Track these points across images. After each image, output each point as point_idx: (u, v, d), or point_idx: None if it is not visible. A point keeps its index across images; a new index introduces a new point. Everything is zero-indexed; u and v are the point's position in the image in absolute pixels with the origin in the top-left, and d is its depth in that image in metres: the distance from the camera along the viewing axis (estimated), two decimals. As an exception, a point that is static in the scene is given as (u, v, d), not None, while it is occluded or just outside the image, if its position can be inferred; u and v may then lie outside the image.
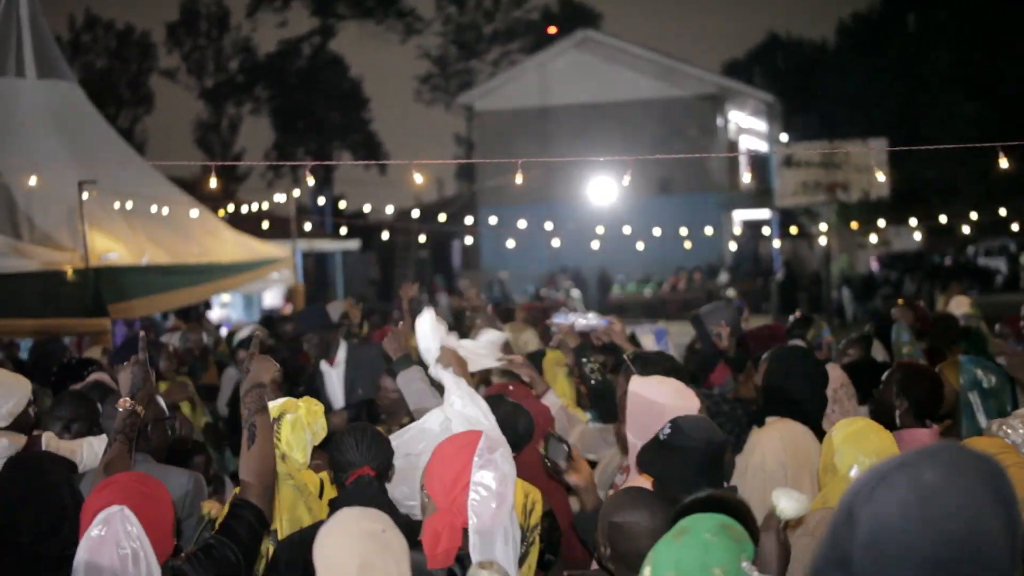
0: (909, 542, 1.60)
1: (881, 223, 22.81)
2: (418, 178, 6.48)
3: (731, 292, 26.81)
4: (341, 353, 7.43)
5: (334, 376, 7.39)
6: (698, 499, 2.75)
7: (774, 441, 4.35)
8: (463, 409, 4.15)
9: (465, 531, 3.23)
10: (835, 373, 4.91)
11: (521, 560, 3.52)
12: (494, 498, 3.21)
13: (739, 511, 2.72)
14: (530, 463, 4.27)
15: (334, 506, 3.74)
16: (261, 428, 3.46)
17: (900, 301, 8.25)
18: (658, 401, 3.89)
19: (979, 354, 6.55)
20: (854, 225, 25.02)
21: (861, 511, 1.63)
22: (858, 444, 3.58)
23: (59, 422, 5.00)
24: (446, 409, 4.20)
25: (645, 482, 3.75)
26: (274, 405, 4.13)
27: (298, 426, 4.13)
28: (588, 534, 3.76)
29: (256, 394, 3.55)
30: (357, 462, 3.81)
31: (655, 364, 4.65)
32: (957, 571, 1.59)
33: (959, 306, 8.94)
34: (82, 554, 2.99)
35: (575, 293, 26.49)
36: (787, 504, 2.98)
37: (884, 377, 4.67)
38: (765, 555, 2.95)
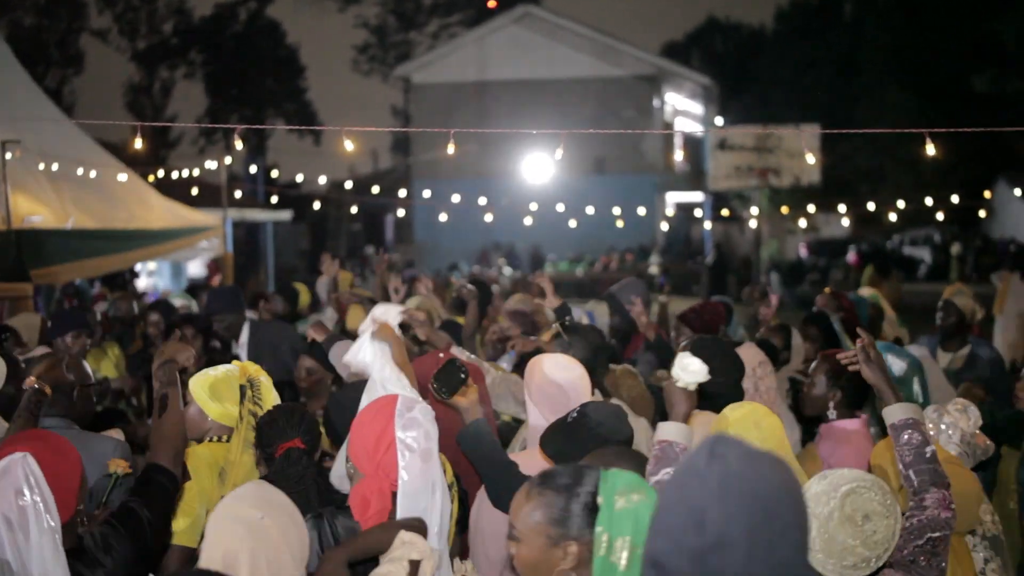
0: (749, 484, 1.82)
1: (811, 209, 23.11)
2: (348, 145, 6.40)
3: (654, 269, 27.04)
4: (244, 334, 7.37)
5: (243, 355, 7.32)
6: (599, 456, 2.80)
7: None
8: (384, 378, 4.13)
9: (394, 494, 3.23)
10: (751, 352, 4.93)
11: None
12: (420, 454, 3.23)
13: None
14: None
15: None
16: (172, 399, 3.57)
17: (827, 289, 8.36)
18: (565, 388, 3.98)
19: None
20: (784, 210, 25.35)
21: (707, 469, 1.83)
22: (750, 428, 3.54)
23: None
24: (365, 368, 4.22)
25: (535, 460, 3.80)
26: (229, 369, 4.28)
27: (272, 389, 4.23)
28: (468, 446, 3.90)
29: (168, 368, 3.66)
30: (288, 435, 3.81)
31: (584, 336, 4.68)
32: (779, 519, 1.81)
33: (866, 292, 9.10)
34: None
35: (507, 270, 26.51)
36: (682, 373, 3.24)
37: (810, 369, 4.65)
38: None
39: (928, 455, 3.25)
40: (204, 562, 2.63)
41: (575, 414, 3.68)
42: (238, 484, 3.79)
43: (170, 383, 3.64)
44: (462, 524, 4.11)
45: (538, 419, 4.09)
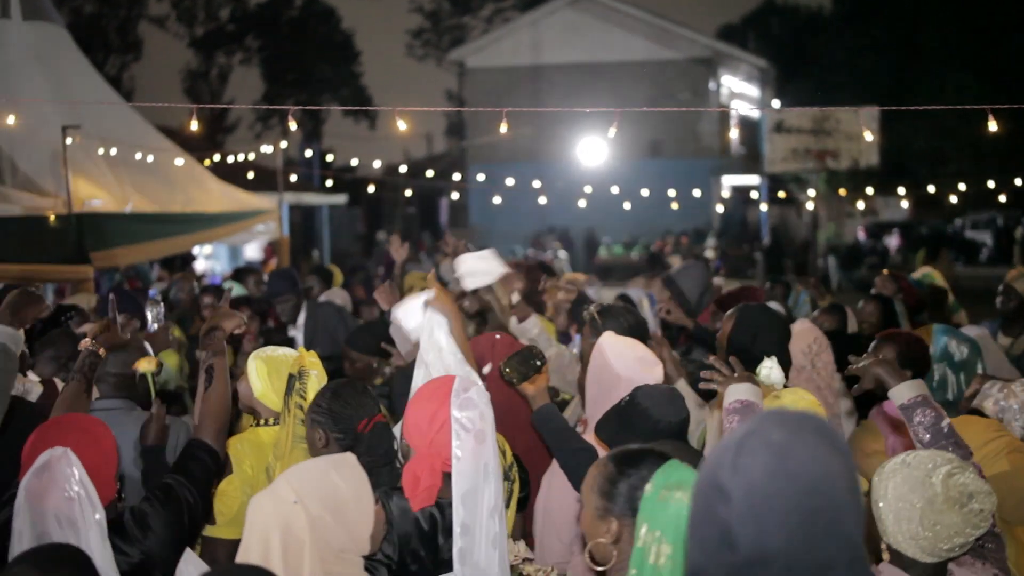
0: (779, 498, 1.75)
1: (869, 191, 22.80)
2: (402, 125, 6.41)
3: (709, 253, 26.82)
4: (301, 315, 7.44)
5: (299, 339, 7.40)
6: (646, 450, 2.80)
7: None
8: (438, 356, 4.09)
9: (446, 475, 3.24)
10: (805, 328, 4.86)
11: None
12: (474, 435, 3.23)
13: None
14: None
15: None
16: (219, 370, 3.54)
17: (885, 271, 8.24)
18: (616, 366, 3.96)
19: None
20: (842, 193, 25.01)
21: (730, 484, 1.77)
22: None
23: (53, 362, 5.16)
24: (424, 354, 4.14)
25: (599, 443, 3.80)
26: (289, 354, 4.19)
27: (320, 385, 4.07)
28: (542, 427, 3.97)
29: (214, 337, 3.63)
30: (368, 409, 3.70)
31: (617, 317, 4.65)
32: (820, 517, 1.76)
33: (919, 274, 8.94)
34: (24, 498, 2.93)
35: (562, 254, 26.46)
36: (767, 374, 3.37)
37: (872, 346, 4.60)
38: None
39: (946, 430, 3.20)
40: (242, 543, 2.64)
41: (627, 399, 3.66)
42: None
43: (217, 352, 3.60)
44: (520, 504, 4.13)
45: (597, 398, 4.08)
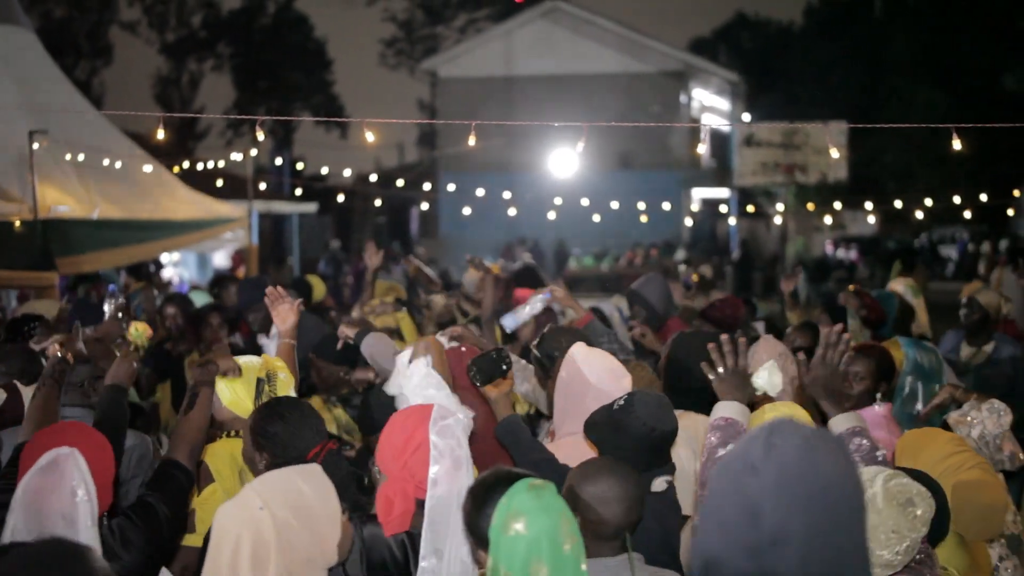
0: (806, 481, 1.82)
1: (837, 206, 22.98)
2: (370, 136, 6.43)
3: (682, 267, 26.93)
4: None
5: (271, 349, 7.33)
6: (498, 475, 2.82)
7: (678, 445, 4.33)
8: (419, 385, 4.11)
9: (419, 501, 3.24)
10: (770, 344, 4.89)
11: None
12: (452, 461, 3.23)
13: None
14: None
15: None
16: (203, 398, 3.70)
17: (851, 287, 8.32)
18: (588, 377, 3.98)
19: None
20: (810, 207, 25.18)
21: (762, 461, 1.84)
22: None
23: (3, 377, 4.96)
24: (403, 385, 4.16)
25: (573, 448, 3.81)
26: (253, 361, 4.22)
27: (290, 385, 4.21)
28: (506, 440, 4.00)
29: (208, 370, 3.83)
30: (316, 437, 3.65)
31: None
32: (839, 512, 1.84)
33: (899, 285, 9.02)
34: (22, 497, 2.91)
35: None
36: (765, 380, 3.41)
37: (845, 359, 4.65)
38: None
39: (880, 458, 3.27)
40: (210, 549, 2.65)
41: (622, 402, 3.67)
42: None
43: (205, 383, 3.78)
44: None
45: (565, 408, 4.10)
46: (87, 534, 2.89)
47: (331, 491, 2.83)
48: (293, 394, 4.19)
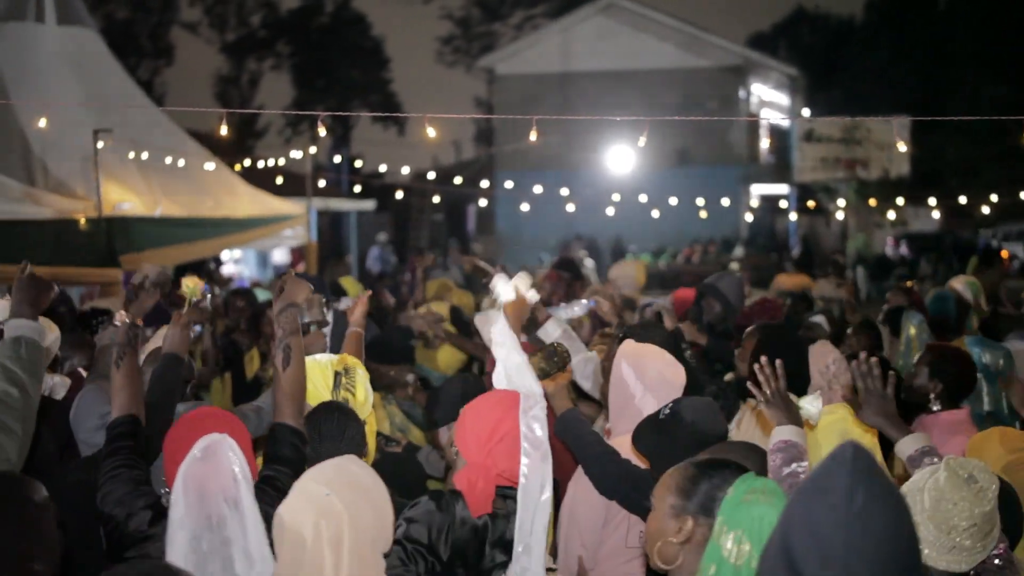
0: (877, 531, 1.83)
1: (899, 202, 22.63)
2: (431, 132, 6.39)
3: (734, 266, 26.71)
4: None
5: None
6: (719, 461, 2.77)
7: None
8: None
9: (499, 487, 3.24)
10: (824, 349, 4.81)
11: None
12: (541, 453, 3.21)
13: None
14: None
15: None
16: (295, 350, 3.43)
17: (908, 283, 8.20)
18: (637, 374, 3.94)
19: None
20: (872, 203, 24.83)
21: (841, 499, 1.84)
22: (833, 439, 3.52)
23: (70, 367, 5.23)
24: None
25: (627, 452, 3.78)
26: (328, 357, 4.15)
27: (367, 381, 4.11)
28: (566, 435, 3.95)
29: (290, 314, 3.49)
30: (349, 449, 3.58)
31: (647, 334, 4.64)
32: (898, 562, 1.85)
33: (958, 283, 8.86)
34: (183, 485, 2.87)
35: (589, 262, 26.39)
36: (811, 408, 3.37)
37: (916, 360, 4.68)
38: None
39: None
40: (275, 536, 2.64)
41: (667, 410, 3.63)
42: None
43: (292, 332, 3.46)
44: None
45: (619, 406, 4.07)
46: (251, 512, 2.86)
47: (375, 474, 2.82)
48: (367, 389, 4.10)
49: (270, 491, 3.16)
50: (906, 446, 3.35)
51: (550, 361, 4.06)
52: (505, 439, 3.23)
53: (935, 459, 3.25)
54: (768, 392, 3.38)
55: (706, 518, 2.56)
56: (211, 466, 2.87)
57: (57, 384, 4.86)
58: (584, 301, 6.08)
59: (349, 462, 2.82)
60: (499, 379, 3.75)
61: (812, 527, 1.83)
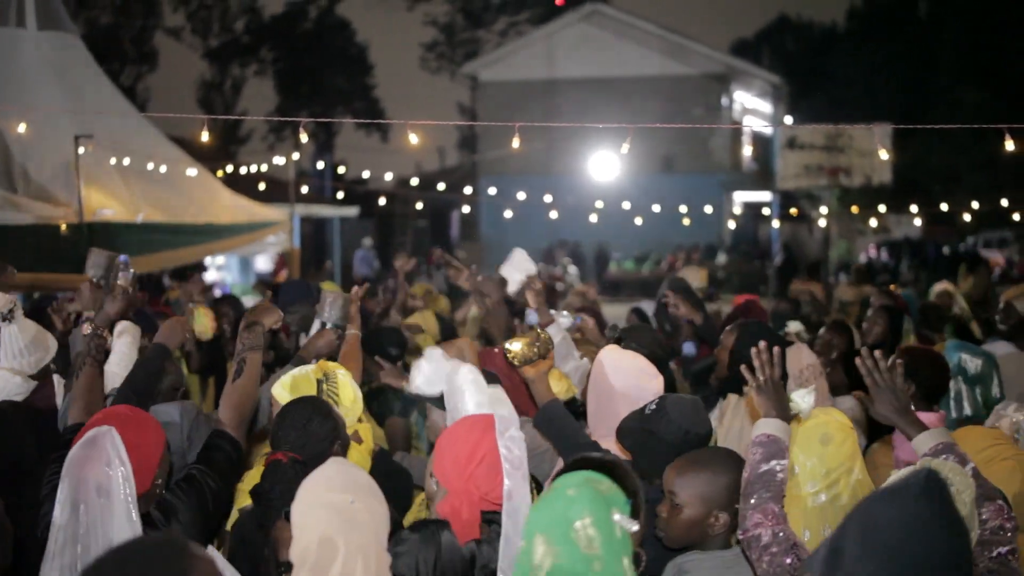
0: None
1: (882, 209, 22.72)
2: (414, 138, 6.40)
3: (720, 273, 26.75)
4: (315, 327, 7.32)
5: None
6: (572, 462, 2.85)
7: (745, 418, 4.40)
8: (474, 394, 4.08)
9: (483, 511, 3.21)
10: (802, 353, 4.80)
11: None
12: (522, 474, 3.19)
13: (614, 469, 2.76)
14: None
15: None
16: (250, 364, 3.59)
17: (892, 287, 8.23)
18: (614, 378, 3.96)
19: (964, 339, 6.54)
20: (854, 210, 24.93)
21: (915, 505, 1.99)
22: (814, 444, 3.45)
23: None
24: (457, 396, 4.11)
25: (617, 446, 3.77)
26: (308, 368, 4.15)
27: (350, 383, 4.11)
28: (546, 427, 3.98)
29: (254, 331, 3.68)
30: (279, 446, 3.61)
31: (639, 339, 4.65)
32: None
33: (939, 288, 8.90)
34: (67, 467, 3.06)
35: (572, 269, 26.44)
36: (803, 402, 3.36)
37: (893, 362, 4.62)
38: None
39: (971, 472, 3.14)
40: (298, 549, 2.60)
41: (653, 406, 3.63)
42: None
43: (253, 348, 3.64)
44: None
45: (596, 411, 4.06)
46: (121, 507, 2.99)
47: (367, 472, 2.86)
48: (354, 389, 4.10)
49: (183, 487, 3.30)
50: (923, 443, 3.24)
51: (532, 347, 4.03)
52: (484, 461, 3.19)
53: (951, 457, 3.15)
54: (762, 378, 3.33)
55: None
56: (89, 453, 3.03)
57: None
58: (569, 318, 6.07)
59: (345, 464, 2.82)
60: (425, 380, 3.95)
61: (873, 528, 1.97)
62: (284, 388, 4.08)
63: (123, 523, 2.98)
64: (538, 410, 4.01)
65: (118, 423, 3.15)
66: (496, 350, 4.90)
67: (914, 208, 20.05)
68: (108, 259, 4.98)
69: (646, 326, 5.17)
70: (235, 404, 3.53)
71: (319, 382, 4.04)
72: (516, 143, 6.18)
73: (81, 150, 10.27)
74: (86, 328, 3.94)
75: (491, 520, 3.23)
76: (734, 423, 4.58)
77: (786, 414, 3.28)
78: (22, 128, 8.57)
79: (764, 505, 3.02)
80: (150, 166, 11.69)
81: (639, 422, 3.63)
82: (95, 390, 3.74)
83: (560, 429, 3.92)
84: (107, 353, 4.09)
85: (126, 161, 11.35)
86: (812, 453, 3.29)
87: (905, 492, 1.99)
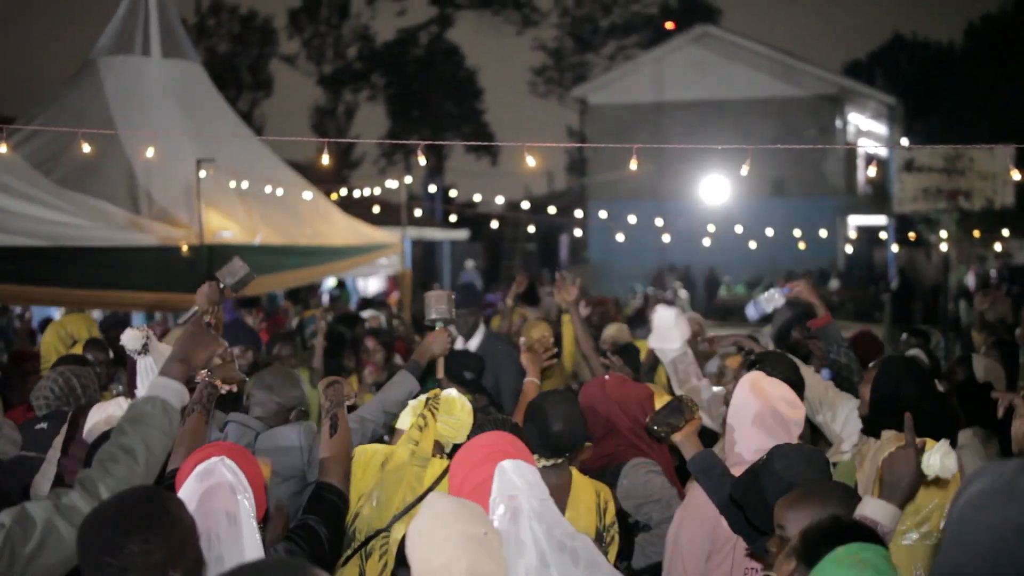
0: None
1: (1005, 233, 22.01)
2: (530, 160, 6.38)
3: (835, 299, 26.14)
4: (478, 337, 7.28)
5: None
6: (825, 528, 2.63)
7: None
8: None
9: None
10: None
11: None
12: (510, 513, 2.95)
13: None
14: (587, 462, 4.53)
15: None
16: (342, 420, 3.77)
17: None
18: (753, 404, 3.89)
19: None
20: (975, 234, 24.23)
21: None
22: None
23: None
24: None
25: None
26: (421, 399, 4.25)
27: (457, 401, 4.15)
28: (701, 474, 3.87)
29: (336, 389, 3.90)
30: None
31: (775, 364, 4.54)
32: None
33: None
34: (188, 504, 2.88)
35: (683, 293, 26.19)
36: (939, 461, 3.01)
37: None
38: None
39: None
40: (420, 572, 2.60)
41: (763, 460, 3.46)
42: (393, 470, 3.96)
43: (338, 404, 3.85)
44: (624, 554, 4.17)
45: (734, 440, 3.98)
46: (250, 531, 2.95)
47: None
48: (463, 403, 4.18)
49: (303, 536, 3.34)
50: (883, 513, 3.02)
51: (672, 416, 3.99)
52: (478, 489, 3.03)
53: None
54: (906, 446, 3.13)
55: (807, 568, 2.49)
56: (211, 485, 2.99)
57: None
58: (780, 289, 5.89)
59: (449, 498, 2.81)
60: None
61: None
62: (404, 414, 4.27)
63: (255, 549, 2.93)
64: (689, 461, 3.93)
65: (226, 454, 3.12)
66: (606, 378, 4.85)
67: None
68: (246, 274, 5.10)
69: (781, 352, 5.02)
70: (337, 458, 3.67)
71: (428, 400, 4.15)
72: (634, 165, 6.12)
73: (202, 173, 10.53)
74: (202, 375, 3.93)
75: None
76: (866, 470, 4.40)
77: (905, 501, 3.05)
78: (150, 153, 8.80)
79: None
80: (268, 189, 11.93)
81: (748, 473, 3.51)
82: (199, 437, 3.74)
83: (715, 479, 3.81)
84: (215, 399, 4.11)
85: (245, 184, 11.60)
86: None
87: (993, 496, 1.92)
